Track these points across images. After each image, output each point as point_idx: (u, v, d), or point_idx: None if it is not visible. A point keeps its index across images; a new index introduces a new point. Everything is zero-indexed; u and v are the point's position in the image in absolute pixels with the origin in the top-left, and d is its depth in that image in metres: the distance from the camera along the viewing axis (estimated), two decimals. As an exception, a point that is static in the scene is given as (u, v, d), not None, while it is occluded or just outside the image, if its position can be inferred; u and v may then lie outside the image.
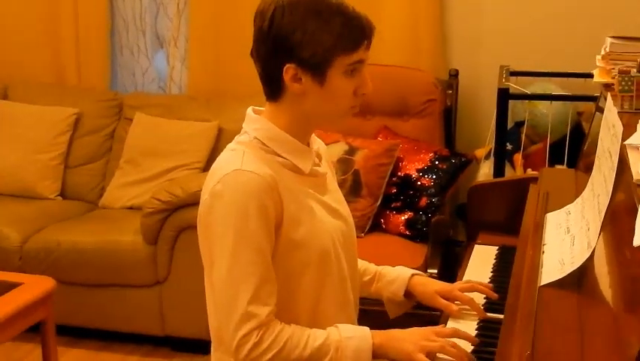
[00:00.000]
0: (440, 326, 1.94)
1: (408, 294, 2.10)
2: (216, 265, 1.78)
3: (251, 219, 1.73)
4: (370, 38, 1.82)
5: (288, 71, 1.78)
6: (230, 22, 4.48)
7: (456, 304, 2.04)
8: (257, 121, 1.88)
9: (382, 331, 1.84)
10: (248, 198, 1.74)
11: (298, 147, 1.88)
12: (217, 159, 1.87)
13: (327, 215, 1.91)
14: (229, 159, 1.82)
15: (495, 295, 2.06)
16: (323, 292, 1.88)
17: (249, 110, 1.92)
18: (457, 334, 1.83)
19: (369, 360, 1.80)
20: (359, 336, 1.81)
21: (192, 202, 3.68)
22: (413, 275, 2.11)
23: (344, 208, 2.01)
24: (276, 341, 1.75)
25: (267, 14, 1.78)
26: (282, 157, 1.85)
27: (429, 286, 2.09)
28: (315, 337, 1.79)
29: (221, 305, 1.78)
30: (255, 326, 1.74)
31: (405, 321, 2.16)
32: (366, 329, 1.84)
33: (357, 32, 1.78)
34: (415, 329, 1.86)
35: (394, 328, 1.89)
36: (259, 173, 1.76)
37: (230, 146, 1.89)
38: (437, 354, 1.80)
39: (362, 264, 2.14)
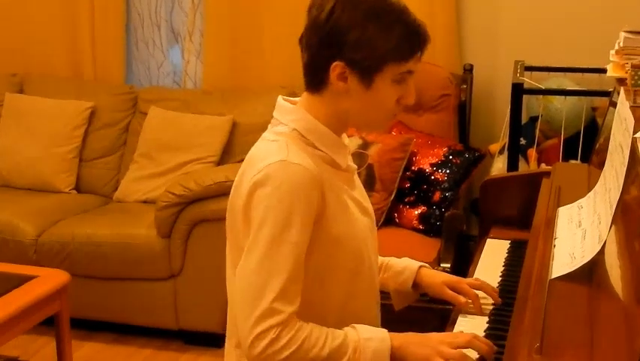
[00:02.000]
0: (459, 331, 1.90)
1: (414, 285, 2.09)
2: (246, 253, 1.72)
3: (294, 213, 1.68)
4: (424, 50, 1.78)
5: (336, 68, 1.74)
6: (245, 17, 4.50)
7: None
8: (294, 112, 1.83)
9: (401, 334, 1.80)
10: (294, 192, 1.68)
11: (336, 141, 1.83)
12: (253, 148, 1.82)
13: (359, 212, 1.88)
14: (272, 149, 1.75)
15: (499, 300, 2.04)
16: (354, 289, 1.85)
17: (280, 99, 1.87)
18: (477, 338, 1.78)
19: None
20: (378, 338, 1.76)
21: (206, 196, 3.69)
22: (420, 267, 2.11)
23: (369, 204, 1.97)
24: (294, 339, 1.69)
25: (326, 6, 1.74)
26: (321, 151, 1.81)
27: (436, 277, 2.07)
28: (334, 336, 1.73)
29: (245, 297, 1.71)
30: (275, 323, 1.67)
31: (415, 314, 2.17)
32: (384, 331, 1.80)
33: (413, 43, 1.75)
34: (434, 333, 1.82)
35: (403, 319, 1.88)
36: (306, 166, 1.71)
37: (267, 136, 1.83)
38: None
39: None
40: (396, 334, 1.79)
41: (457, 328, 1.96)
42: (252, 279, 1.70)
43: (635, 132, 1.81)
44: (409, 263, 2.12)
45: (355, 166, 1.96)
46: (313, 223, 1.73)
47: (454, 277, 2.09)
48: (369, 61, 1.73)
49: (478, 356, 1.76)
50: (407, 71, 1.77)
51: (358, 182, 1.98)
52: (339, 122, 1.83)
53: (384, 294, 2.13)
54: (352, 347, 1.73)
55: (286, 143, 1.75)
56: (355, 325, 1.79)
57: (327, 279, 1.80)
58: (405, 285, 2.09)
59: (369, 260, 1.89)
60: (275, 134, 1.81)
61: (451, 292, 2.03)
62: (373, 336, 1.76)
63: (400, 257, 2.19)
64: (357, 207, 1.87)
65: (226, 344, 1.93)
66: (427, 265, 2.13)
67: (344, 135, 1.92)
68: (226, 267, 1.88)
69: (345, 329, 1.77)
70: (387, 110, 1.81)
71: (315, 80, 1.79)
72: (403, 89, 1.78)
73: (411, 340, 1.78)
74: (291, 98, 1.88)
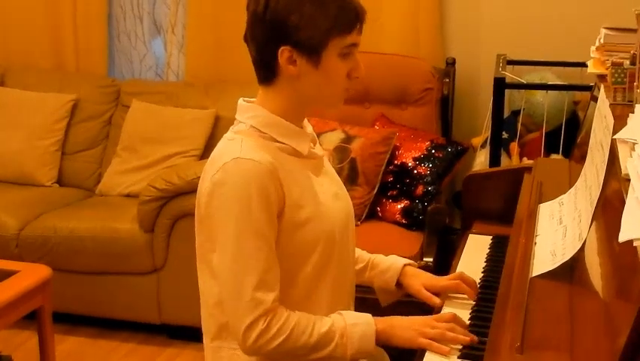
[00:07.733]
0: (440, 314, 1.95)
1: (399, 283, 2.12)
2: (219, 253, 1.80)
3: (253, 205, 1.74)
4: (362, 22, 1.83)
5: (284, 53, 1.79)
6: (227, 9, 4.47)
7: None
8: (250, 109, 1.89)
9: (384, 318, 1.87)
10: (249, 185, 1.75)
11: (294, 130, 1.89)
12: (215, 148, 1.88)
13: (328, 198, 1.92)
14: (228, 148, 1.83)
15: (477, 288, 2.07)
16: (323, 276, 1.90)
17: (240, 101, 1.93)
18: (456, 320, 1.85)
19: (373, 346, 1.83)
20: (363, 322, 1.84)
21: (189, 190, 3.68)
22: (405, 265, 2.13)
23: (343, 191, 2.03)
24: (284, 328, 1.77)
25: None
26: (279, 142, 1.86)
27: (417, 278, 2.10)
28: (321, 324, 1.81)
29: (227, 293, 1.79)
30: (262, 312, 1.75)
31: (401, 309, 2.18)
32: (368, 315, 1.87)
33: (351, 15, 1.81)
34: (416, 317, 1.89)
35: (390, 315, 1.91)
36: (259, 160, 1.77)
37: (227, 136, 1.89)
38: None
39: (355, 251, 2.14)
40: (380, 318, 1.86)
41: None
42: (230, 276, 1.78)
43: (614, 130, 1.82)
44: (394, 262, 2.14)
45: (323, 153, 2.01)
46: (278, 212, 1.79)
47: (435, 278, 2.11)
48: (314, 39, 1.78)
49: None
50: (352, 43, 1.82)
51: (329, 168, 2.03)
52: (295, 110, 1.89)
53: (371, 288, 2.16)
54: (339, 333, 1.80)
55: (241, 140, 1.82)
56: (342, 311, 1.86)
57: (297, 266, 1.85)
58: (389, 284, 2.12)
59: (340, 246, 1.93)
60: (233, 133, 1.88)
61: (426, 293, 2.06)
62: (359, 321, 1.84)
63: (383, 252, 2.20)
64: (326, 193, 1.92)
65: (204, 339, 1.98)
66: (413, 262, 2.16)
67: (305, 122, 1.97)
68: (197, 261, 1.95)
69: (332, 315, 1.85)
70: (339, 85, 1.86)
71: (267, 72, 1.85)
72: (350, 63, 1.84)
73: (395, 323, 1.86)
74: (251, 99, 1.93)
